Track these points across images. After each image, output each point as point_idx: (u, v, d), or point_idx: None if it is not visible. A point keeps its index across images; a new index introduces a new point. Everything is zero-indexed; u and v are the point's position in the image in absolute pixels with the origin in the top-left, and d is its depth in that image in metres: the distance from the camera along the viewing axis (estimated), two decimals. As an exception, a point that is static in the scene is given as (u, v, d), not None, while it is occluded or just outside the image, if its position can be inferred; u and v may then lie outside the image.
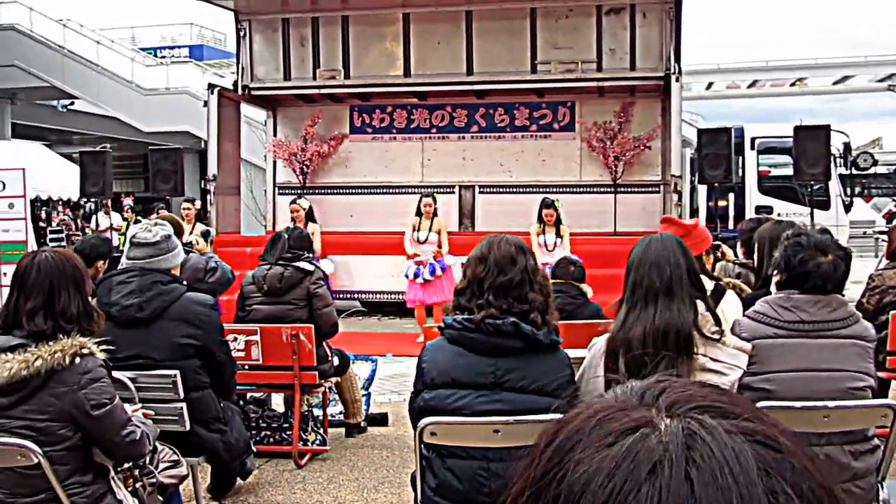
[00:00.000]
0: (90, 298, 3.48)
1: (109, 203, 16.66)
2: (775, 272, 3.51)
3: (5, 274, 10.57)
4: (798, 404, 3.21)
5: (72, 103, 30.48)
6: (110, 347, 3.36)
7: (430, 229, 10.60)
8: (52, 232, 20.12)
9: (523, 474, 0.75)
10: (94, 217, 16.12)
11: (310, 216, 11.74)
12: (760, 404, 3.20)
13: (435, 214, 10.74)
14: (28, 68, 26.73)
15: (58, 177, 19.69)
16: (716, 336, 3.12)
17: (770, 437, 0.69)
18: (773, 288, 3.55)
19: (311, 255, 6.53)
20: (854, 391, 3.32)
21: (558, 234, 10.25)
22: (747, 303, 3.81)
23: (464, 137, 14.63)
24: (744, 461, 0.66)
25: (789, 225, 4.38)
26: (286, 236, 6.33)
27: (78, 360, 3.18)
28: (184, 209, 11.31)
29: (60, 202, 20.64)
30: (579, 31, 13.91)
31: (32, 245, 11.48)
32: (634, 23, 13.68)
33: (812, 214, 12.35)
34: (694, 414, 0.71)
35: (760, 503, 0.65)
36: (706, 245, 4.39)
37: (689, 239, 3.64)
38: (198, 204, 11.91)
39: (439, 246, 10.71)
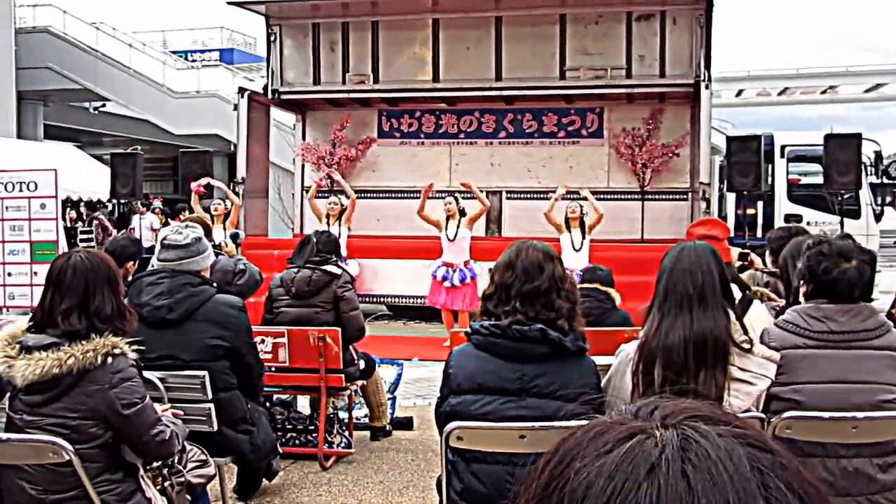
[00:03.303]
0: (122, 299, 3.52)
1: (140, 204, 16.83)
2: (801, 283, 3.48)
3: (36, 273, 10.70)
4: (826, 415, 3.19)
5: (103, 105, 30.80)
6: (141, 348, 3.40)
7: (457, 227, 10.58)
8: (82, 232, 20.31)
9: (524, 492, 0.78)
10: (132, 218, 16.30)
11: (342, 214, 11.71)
12: (788, 414, 3.19)
13: (463, 214, 10.68)
14: (61, 70, 27.07)
15: (89, 178, 19.89)
16: (746, 345, 3.11)
17: (760, 440, 0.73)
18: (801, 299, 3.52)
19: (338, 259, 6.56)
20: (885, 403, 3.28)
21: (584, 234, 10.19)
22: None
23: (492, 143, 14.66)
24: (736, 459, 0.70)
25: (806, 234, 4.32)
26: (315, 240, 6.36)
27: (110, 359, 3.22)
28: (214, 207, 11.41)
29: (82, 203, 20.80)
30: (609, 37, 13.89)
31: (63, 245, 11.59)
32: (664, 29, 13.64)
33: (842, 223, 12.25)
34: (688, 422, 0.74)
35: (755, 496, 0.68)
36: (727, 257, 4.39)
37: (718, 244, 3.64)
38: (228, 203, 12.00)
39: (470, 249, 10.66)
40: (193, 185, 11.61)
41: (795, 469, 0.72)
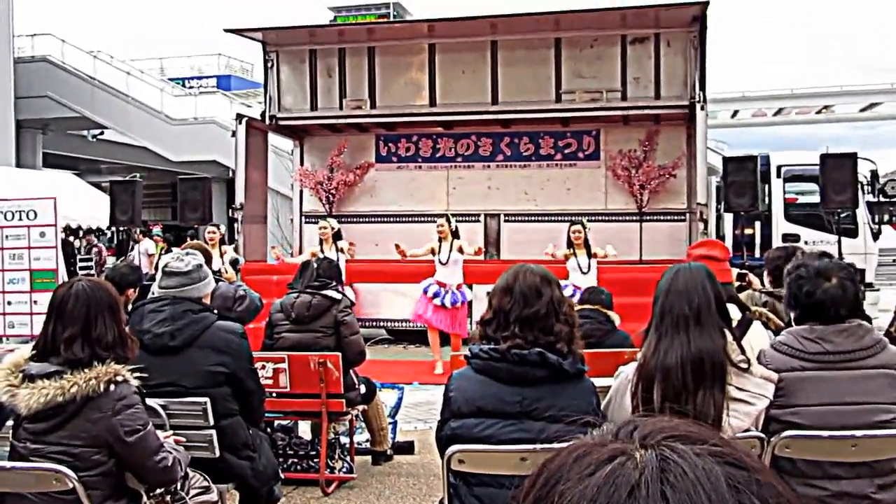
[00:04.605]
0: (124, 326, 3.55)
1: (139, 232, 16.87)
2: (789, 309, 3.49)
3: (36, 302, 10.71)
4: (826, 434, 3.20)
5: (101, 133, 30.91)
6: (143, 375, 3.42)
7: (449, 250, 10.61)
8: (81, 260, 20.33)
9: None
10: (135, 246, 16.36)
11: (337, 237, 11.77)
12: (787, 433, 3.20)
13: (456, 236, 10.72)
14: (59, 99, 27.20)
15: (87, 206, 19.94)
16: (743, 365, 3.13)
17: (737, 458, 0.76)
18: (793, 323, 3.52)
19: (338, 284, 6.57)
20: (883, 424, 3.27)
21: (590, 255, 10.22)
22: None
23: (489, 166, 14.72)
24: (714, 479, 0.72)
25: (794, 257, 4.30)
26: (315, 265, 6.39)
27: (112, 386, 3.24)
28: (208, 233, 11.47)
29: (83, 231, 20.85)
30: (604, 60, 13.97)
31: (63, 273, 11.61)
32: (659, 52, 13.73)
33: (840, 242, 12.28)
34: (666, 442, 0.77)
35: None
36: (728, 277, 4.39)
37: (718, 264, 3.64)
38: (223, 229, 12.06)
39: (464, 273, 10.69)
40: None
41: (770, 484, 0.75)
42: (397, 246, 10.87)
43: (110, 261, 19.98)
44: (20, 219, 11.15)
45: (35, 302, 10.75)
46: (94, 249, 20.99)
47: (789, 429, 3.24)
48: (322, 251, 11.10)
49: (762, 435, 3.20)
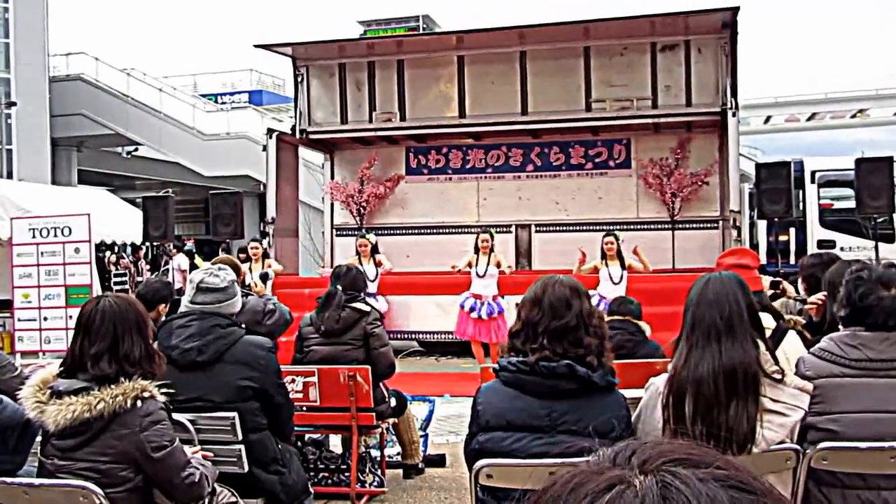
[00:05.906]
0: (152, 342, 3.54)
1: (172, 247, 16.98)
2: (841, 308, 3.41)
3: (71, 317, 10.82)
4: (863, 445, 3.12)
5: (135, 150, 31.27)
6: (171, 391, 3.41)
7: (487, 264, 10.66)
8: (116, 275, 20.52)
9: None
10: (169, 261, 16.50)
11: (374, 251, 11.82)
12: (823, 444, 3.12)
13: (492, 250, 10.78)
14: (94, 117, 27.58)
15: (121, 221, 20.13)
16: (777, 376, 3.06)
17: (743, 481, 0.71)
18: (839, 326, 3.45)
19: (366, 296, 6.54)
20: None
21: (623, 267, 10.18)
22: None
23: (519, 177, 14.69)
24: None
25: (856, 262, 4.23)
26: (339, 288, 6.34)
27: (139, 403, 3.24)
28: (251, 248, 11.59)
29: (122, 246, 21.08)
30: (634, 68, 13.91)
31: (97, 288, 11.73)
32: (689, 59, 13.65)
33: (876, 248, 12.11)
34: (667, 467, 0.72)
35: None
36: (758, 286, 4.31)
37: (748, 272, 3.58)
38: (265, 243, 12.19)
39: (498, 284, 10.72)
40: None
41: None
42: (453, 267, 10.93)
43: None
44: (55, 235, 11.30)
45: (70, 317, 10.85)
46: (143, 265, 21.20)
47: (827, 437, 3.17)
48: (360, 263, 11.15)
49: (797, 447, 3.13)
